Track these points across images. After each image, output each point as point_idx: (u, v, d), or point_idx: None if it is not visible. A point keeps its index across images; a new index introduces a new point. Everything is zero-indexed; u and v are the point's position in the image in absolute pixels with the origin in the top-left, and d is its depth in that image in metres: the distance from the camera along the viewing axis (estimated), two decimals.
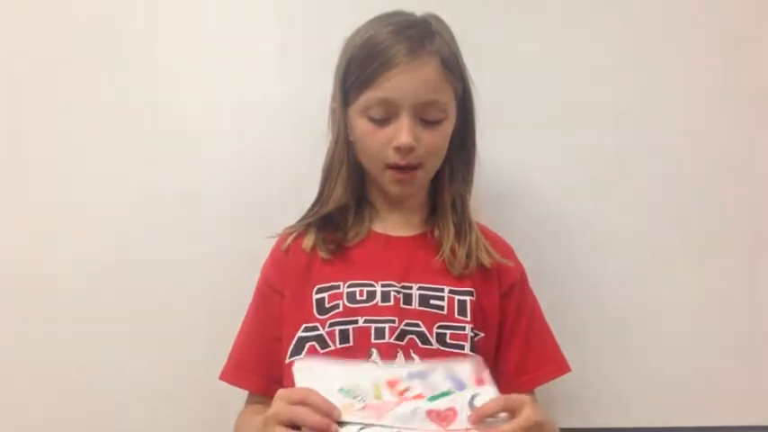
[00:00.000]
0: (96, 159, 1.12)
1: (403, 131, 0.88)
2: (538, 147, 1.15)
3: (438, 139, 0.92)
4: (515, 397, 0.74)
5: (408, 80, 0.88)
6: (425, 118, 0.90)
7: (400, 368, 0.80)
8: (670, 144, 1.15)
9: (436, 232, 0.97)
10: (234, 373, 0.96)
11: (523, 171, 1.15)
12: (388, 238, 0.97)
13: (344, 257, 0.94)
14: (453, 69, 0.92)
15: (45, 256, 1.11)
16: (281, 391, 0.74)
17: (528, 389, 0.95)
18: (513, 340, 0.95)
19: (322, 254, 0.94)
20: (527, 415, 0.71)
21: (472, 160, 0.99)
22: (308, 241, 0.95)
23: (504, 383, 0.86)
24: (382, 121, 0.90)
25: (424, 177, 0.94)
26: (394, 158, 0.90)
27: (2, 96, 1.12)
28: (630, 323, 1.15)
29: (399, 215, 0.98)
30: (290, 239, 0.97)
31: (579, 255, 1.15)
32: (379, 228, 0.98)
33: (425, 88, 0.89)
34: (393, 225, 0.98)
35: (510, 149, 1.14)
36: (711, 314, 1.15)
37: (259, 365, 0.94)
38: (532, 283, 1.00)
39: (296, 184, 1.04)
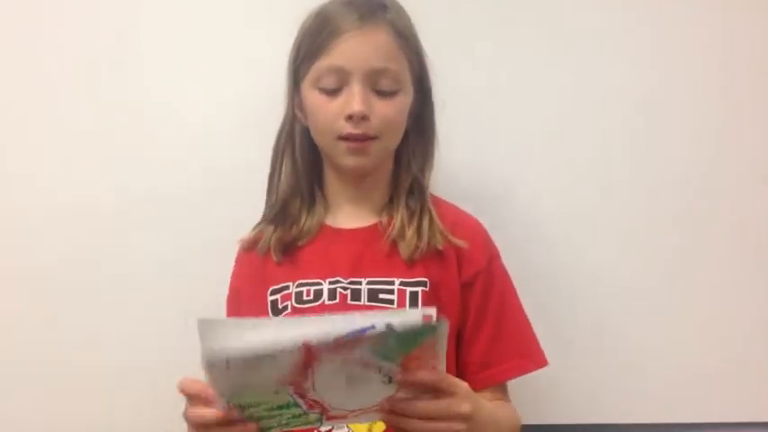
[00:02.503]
0: (89, 158, 1.13)
1: (355, 99, 0.85)
2: (537, 146, 1.12)
3: (393, 109, 0.88)
4: (452, 380, 0.68)
5: (358, 45, 0.85)
6: (378, 88, 0.87)
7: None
8: (670, 143, 1.11)
9: (387, 220, 0.92)
10: None
11: (519, 171, 1.12)
12: (337, 232, 0.93)
13: (294, 257, 0.92)
14: (408, 40, 0.89)
15: (32, 256, 1.12)
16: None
17: (494, 383, 0.88)
18: (480, 330, 0.88)
19: (274, 257, 0.92)
20: (449, 403, 0.66)
21: (431, 142, 0.95)
22: (262, 245, 0.93)
23: (469, 379, 0.78)
24: (333, 92, 0.87)
25: (380, 150, 0.90)
26: (347, 128, 0.86)
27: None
28: (624, 322, 1.11)
29: (353, 206, 0.94)
30: (248, 245, 0.96)
31: (575, 254, 1.12)
32: (330, 221, 0.94)
33: (377, 55, 0.86)
34: (346, 217, 0.94)
35: (509, 149, 1.12)
36: (709, 311, 1.11)
37: None
38: (522, 281, 0.95)
39: None
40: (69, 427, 1.11)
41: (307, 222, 0.93)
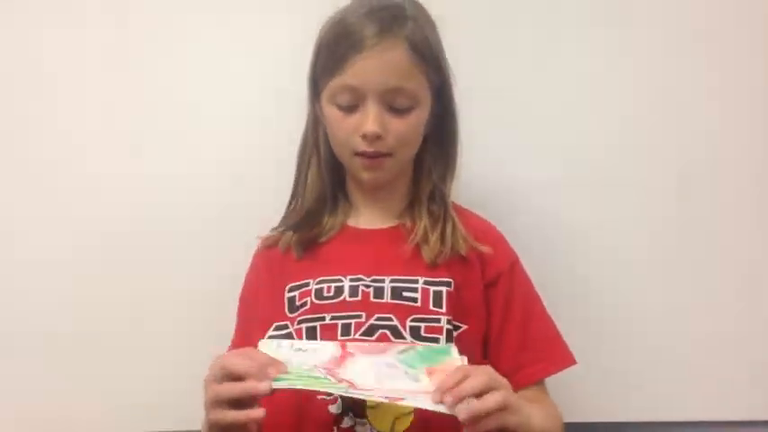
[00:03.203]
0: (96, 156, 1.12)
1: (369, 119, 0.85)
2: (537, 147, 1.12)
3: (407, 127, 0.88)
4: (472, 368, 0.72)
5: (374, 66, 0.84)
6: (394, 105, 0.86)
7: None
8: (670, 143, 1.12)
9: (409, 223, 0.93)
10: None
11: (520, 170, 1.12)
12: (359, 231, 0.94)
13: (315, 255, 0.92)
14: (425, 55, 0.87)
15: (38, 253, 1.11)
16: (205, 377, 0.74)
17: (526, 385, 0.88)
18: (506, 333, 0.90)
19: (295, 254, 0.92)
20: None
21: (454, 151, 0.95)
22: (283, 243, 0.94)
23: None
24: (349, 108, 0.87)
25: (394, 166, 0.90)
26: (361, 146, 0.87)
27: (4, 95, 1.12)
28: (625, 320, 1.11)
29: (375, 209, 0.95)
30: (268, 242, 0.96)
31: (577, 254, 1.12)
32: (352, 222, 0.95)
33: (392, 75, 0.85)
34: (367, 218, 0.95)
35: (508, 149, 1.12)
36: (709, 311, 1.11)
37: None
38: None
39: None
40: (77, 424, 1.10)
41: (330, 222, 0.94)
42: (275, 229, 0.97)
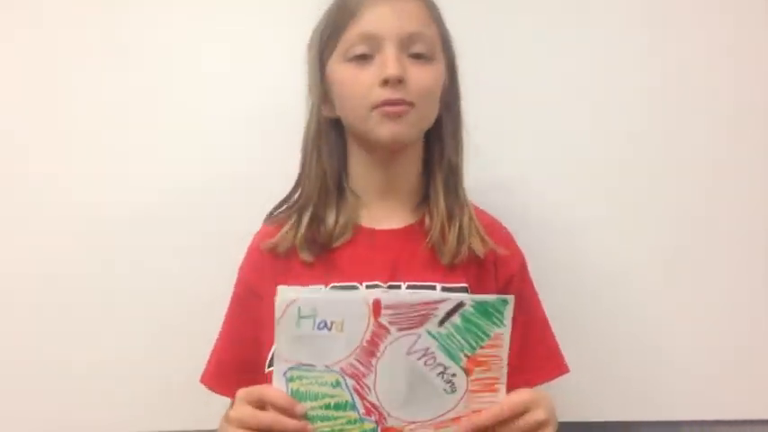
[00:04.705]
0: (97, 159, 1.10)
1: (390, 62, 0.80)
2: (539, 146, 1.11)
3: (429, 76, 0.83)
4: (514, 400, 0.70)
5: (388, 10, 0.82)
6: (413, 51, 0.82)
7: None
8: (674, 142, 1.12)
9: (427, 220, 0.88)
10: (213, 379, 0.90)
11: (522, 170, 1.11)
12: (373, 233, 0.89)
13: (327, 259, 0.87)
14: (439, 19, 0.87)
15: (44, 254, 1.10)
16: (240, 392, 0.73)
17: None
18: (514, 336, 0.85)
19: (304, 256, 0.86)
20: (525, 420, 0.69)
21: (459, 131, 0.91)
22: (285, 240, 0.87)
23: None
24: (365, 59, 0.82)
25: (416, 121, 0.84)
26: (383, 95, 0.81)
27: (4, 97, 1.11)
28: (629, 320, 1.12)
29: (384, 201, 0.89)
30: (269, 243, 0.88)
31: (578, 253, 1.12)
32: (365, 221, 0.89)
33: (408, 19, 0.82)
34: (381, 216, 0.89)
35: (509, 149, 1.11)
36: (709, 311, 1.12)
37: (239, 372, 0.86)
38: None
39: None
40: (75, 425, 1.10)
41: (339, 221, 0.87)
42: (272, 217, 0.91)
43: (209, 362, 0.91)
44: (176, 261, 1.09)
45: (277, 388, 0.70)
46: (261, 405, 0.71)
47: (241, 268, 0.92)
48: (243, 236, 0.94)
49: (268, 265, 0.88)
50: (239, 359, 0.88)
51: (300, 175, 0.91)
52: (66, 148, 1.10)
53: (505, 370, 0.71)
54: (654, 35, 1.12)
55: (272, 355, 0.79)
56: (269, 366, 0.82)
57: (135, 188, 1.10)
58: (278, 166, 0.94)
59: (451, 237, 0.86)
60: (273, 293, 0.79)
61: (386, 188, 0.89)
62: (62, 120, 1.10)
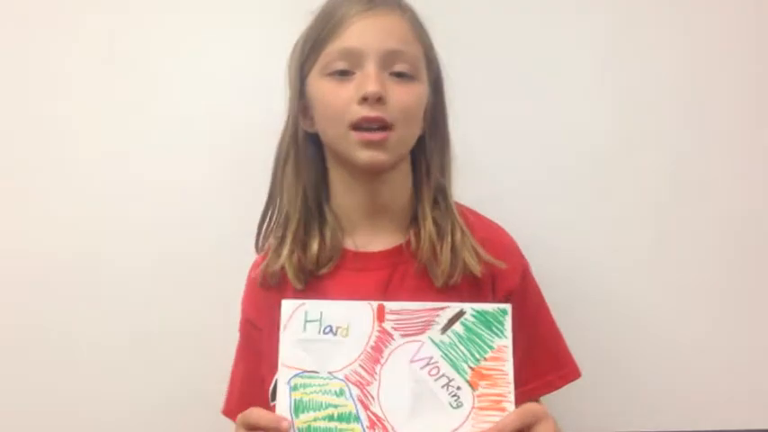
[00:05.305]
0: (95, 157, 1.11)
1: (370, 79, 0.77)
2: (532, 150, 1.11)
3: (410, 96, 0.80)
4: (520, 419, 0.69)
5: (370, 26, 0.80)
6: (394, 70, 0.80)
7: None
8: (674, 142, 1.11)
9: (413, 239, 0.84)
10: (228, 407, 0.91)
11: (516, 172, 1.12)
12: (361, 256, 0.85)
13: (316, 287, 0.84)
14: (422, 34, 0.84)
15: (43, 253, 1.10)
16: (238, 419, 0.73)
17: (536, 397, 0.85)
18: (516, 345, 0.82)
19: (295, 284, 0.83)
20: None
21: (447, 145, 0.88)
22: (273, 273, 0.85)
23: None
24: (345, 74, 0.80)
25: (397, 144, 0.80)
26: (360, 113, 0.78)
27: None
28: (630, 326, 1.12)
29: (370, 223, 0.86)
30: (260, 268, 0.86)
31: (578, 257, 1.12)
32: (350, 244, 0.86)
33: (391, 36, 0.80)
34: (367, 238, 0.85)
35: (503, 152, 1.11)
36: (710, 315, 1.12)
37: (247, 403, 0.83)
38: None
39: None
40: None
41: (323, 247, 0.84)
42: (260, 244, 0.89)
43: (230, 393, 0.91)
44: (174, 267, 1.10)
45: (261, 409, 0.72)
46: (254, 427, 0.72)
47: (242, 303, 0.91)
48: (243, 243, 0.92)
49: (263, 298, 0.87)
50: (257, 391, 0.86)
51: (272, 192, 0.87)
52: (65, 148, 1.11)
53: (512, 386, 0.70)
54: (655, 35, 1.12)
55: (274, 385, 0.78)
56: (272, 400, 0.79)
57: (142, 195, 1.11)
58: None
59: (444, 256, 0.82)
60: (269, 326, 0.80)
61: (371, 208, 0.86)
62: (62, 120, 1.11)
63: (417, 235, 0.85)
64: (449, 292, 0.82)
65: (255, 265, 0.89)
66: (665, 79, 1.11)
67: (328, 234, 0.85)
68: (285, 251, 0.84)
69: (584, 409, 1.07)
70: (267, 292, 0.86)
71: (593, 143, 1.11)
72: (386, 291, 0.83)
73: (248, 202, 1.04)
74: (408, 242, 0.85)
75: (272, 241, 0.87)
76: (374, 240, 0.86)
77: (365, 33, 0.79)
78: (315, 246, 0.84)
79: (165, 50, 1.12)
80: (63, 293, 1.10)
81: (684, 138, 1.11)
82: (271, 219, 0.88)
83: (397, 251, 0.85)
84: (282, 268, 0.84)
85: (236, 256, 0.91)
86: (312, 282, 0.84)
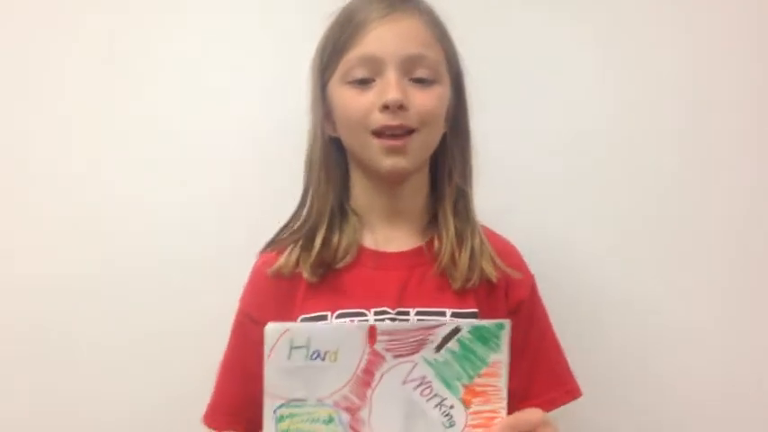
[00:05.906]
0: (95, 157, 1.11)
1: (391, 87, 0.78)
2: (536, 148, 1.12)
3: (432, 100, 0.81)
4: (524, 417, 0.70)
5: (390, 32, 0.80)
6: (415, 76, 0.80)
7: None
8: (676, 141, 1.11)
9: (436, 243, 0.85)
10: (213, 416, 0.88)
11: (516, 172, 1.11)
12: (380, 255, 0.86)
13: (332, 283, 0.84)
14: (443, 34, 0.84)
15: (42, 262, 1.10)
16: None
17: None
18: (520, 360, 0.84)
19: (308, 276, 0.82)
20: None
21: (468, 148, 0.88)
22: (289, 262, 0.84)
23: (510, 409, 0.76)
24: (366, 82, 0.80)
25: (419, 148, 0.82)
26: (382, 121, 0.79)
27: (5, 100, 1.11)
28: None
29: (390, 224, 0.87)
30: (271, 262, 0.86)
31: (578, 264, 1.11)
32: (370, 243, 0.86)
33: (411, 41, 0.80)
34: (386, 238, 0.86)
35: (507, 150, 1.10)
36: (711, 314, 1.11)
37: (239, 408, 0.84)
38: None
39: None
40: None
41: (342, 241, 0.84)
42: (274, 243, 0.87)
43: (212, 399, 0.89)
44: (174, 267, 1.10)
45: None
46: None
47: (241, 298, 0.89)
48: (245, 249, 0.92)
49: (270, 291, 0.86)
50: (242, 395, 0.84)
51: (305, 196, 0.88)
52: (64, 148, 1.11)
53: (506, 401, 0.69)
54: (657, 34, 1.12)
55: None
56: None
57: (139, 203, 1.11)
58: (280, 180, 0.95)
59: (462, 261, 0.83)
60: (273, 318, 0.75)
61: (391, 210, 0.87)
62: (62, 120, 1.11)
63: (439, 238, 0.85)
64: (466, 294, 0.83)
65: (263, 262, 0.88)
66: (667, 78, 1.11)
67: (347, 232, 0.85)
68: (314, 252, 0.83)
69: (584, 409, 1.03)
70: (278, 285, 0.85)
71: (594, 142, 1.11)
72: (403, 292, 0.83)
73: (248, 203, 1.08)
74: (429, 243, 0.86)
75: (291, 241, 0.86)
76: (392, 241, 0.87)
77: (384, 39, 0.80)
78: (334, 241, 0.84)
79: (165, 50, 1.11)
80: (63, 293, 1.10)
81: (687, 137, 1.11)
82: (298, 219, 0.88)
83: (415, 253, 0.86)
84: (297, 263, 0.84)
85: (237, 257, 0.91)
86: (328, 276, 0.84)
